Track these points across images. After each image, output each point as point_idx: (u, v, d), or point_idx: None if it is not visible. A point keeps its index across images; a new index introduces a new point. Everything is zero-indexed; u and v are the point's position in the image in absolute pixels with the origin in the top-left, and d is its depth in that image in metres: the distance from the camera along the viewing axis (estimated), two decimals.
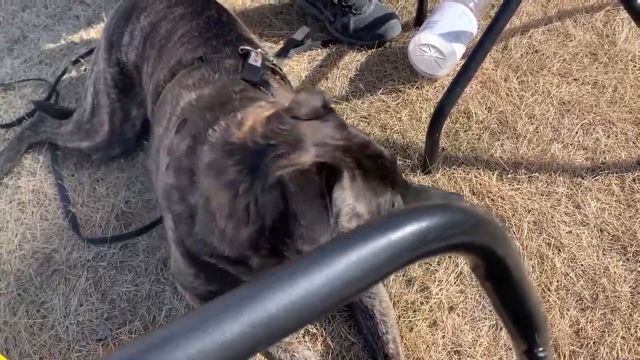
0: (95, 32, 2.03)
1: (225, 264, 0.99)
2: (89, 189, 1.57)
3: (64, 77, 1.87)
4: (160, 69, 1.36)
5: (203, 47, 1.32)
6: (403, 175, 0.98)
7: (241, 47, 1.30)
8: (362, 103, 1.66)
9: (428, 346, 1.18)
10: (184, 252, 1.05)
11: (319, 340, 1.23)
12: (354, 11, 1.79)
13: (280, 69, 1.61)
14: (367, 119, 1.63)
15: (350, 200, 0.88)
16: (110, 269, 1.40)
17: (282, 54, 1.75)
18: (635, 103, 1.51)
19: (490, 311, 1.23)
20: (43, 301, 1.37)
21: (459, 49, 1.63)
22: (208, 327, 0.28)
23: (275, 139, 0.90)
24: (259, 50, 1.34)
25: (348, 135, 0.93)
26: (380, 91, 1.67)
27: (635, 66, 1.59)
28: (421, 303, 1.25)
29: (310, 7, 1.88)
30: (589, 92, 1.56)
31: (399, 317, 1.24)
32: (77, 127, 1.59)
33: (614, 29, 1.69)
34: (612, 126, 1.48)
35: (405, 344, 1.19)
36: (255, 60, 1.26)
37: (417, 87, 1.66)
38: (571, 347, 1.14)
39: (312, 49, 1.84)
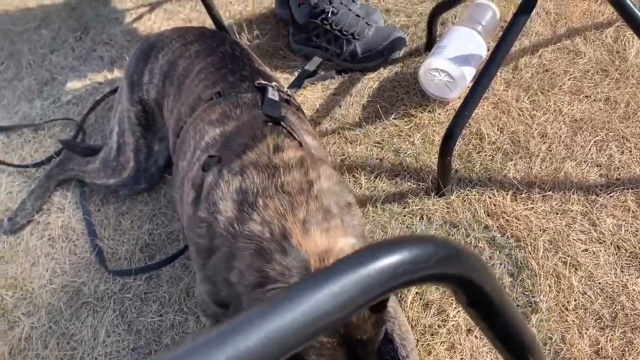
0: (118, 72, 2.12)
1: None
2: (114, 222, 1.64)
3: (90, 115, 1.96)
4: (181, 105, 1.42)
5: (220, 83, 1.37)
6: None
7: (257, 82, 1.35)
8: (375, 128, 1.69)
9: None
10: (211, 284, 1.09)
11: None
12: (357, 37, 1.84)
13: (294, 99, 1.66)
14: (380, 144, 1.66)
15: None
16: (135, 300, 1.45)
17: (295, 85, 1.80)
18: None
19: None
20: (73, 333, 1.43)
21: (469, 72, 1.65)
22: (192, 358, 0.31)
23: None
24: (274, 83, 1.38)
25: None
26: (393, 116, 1.70)
27: None
28: (439, 326, 1.26)
29: (316, 50, 1.93)
30: (601, 109, 1.56)
31: (417, 341, 1.24)
32: (104, 165, 1.66)
33: (624, 44, 1.69)
34: (625, 142, 1.48)
35: None
36: (273, 94, 1.30)
37: (429, 111, 1.69)
38: None
39: (327, 79, 1.89)
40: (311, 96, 1.86)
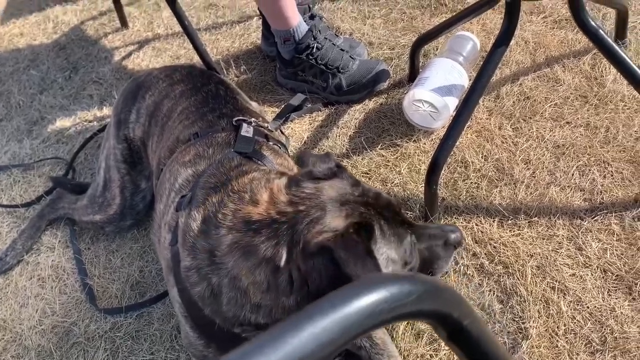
0: (107, 110, 2.14)
1: (252, 329, 1.04)
2: (104, 260, 1.63)
3: (80, 154, 1.97)
4: (161, 147, 1.44)
5: (199, 123, 1.39)
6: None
7: (235, 119, 1.37)
8: (362, 159, 1.72)
9: None
10: (193, 325, 1.09)
11: None
12: (341, 70, 1.88)
13: (282, 132, 1.68)
14: (368, 174, 1.68)
15: (384, 249, 0.96)
16: (127, 339, 1.44)
17: (279, 118, 1.83)
18: (627, 142, 1.54)
19: None
20: None
21: (452, 102, 1.69)
22: None
23: (303, 204, 0.96)
24: (252, 119, 1.40)
25: (363, 190, 1.01)
26: (379, 146, 1.73)
27: (625, 105, 1.63)
28: (431, 356, 1.26)
29: (302, 84, 1.97)
30: (582, 134, 1.60)
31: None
32: (90, 201, 1.66)
33: (602, 71, 1.74)
34: (607, 166, 1.51)
35: None
36: (246, 131, 1.33)
37: (414, 141, 1.72)
38: None
39: (314, 112, 1.92)
40: (299, 129, 1.88)
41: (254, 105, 1.69)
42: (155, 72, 1.63)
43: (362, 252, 0.88)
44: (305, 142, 1.84)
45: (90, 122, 2.12)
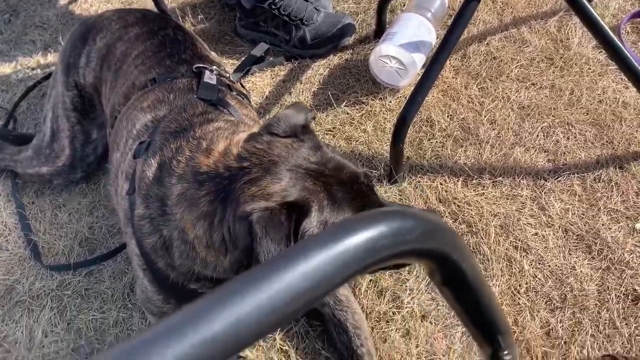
0: (52, 57, 1.99)
1: (212, 286, 0.98)
2: (50, 216, 1.53)
3: (22, 103, 1.83)
4: (115, 93, 1.34)
5: (157, 68, 1.30)
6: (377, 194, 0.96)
7: (196, 66, 1.29)
8: (326, 116, 1.66)
9: (402, 356, 1.18)
10: (152, 278, 1.03)
11: (292, 357, 1.21)
12: (305, 22, 1.80)
13: (242, 85, 1.60)
14: (332, 131, 1.63)
15: (315, 230, 0.86)
16: (75, 297, 1.36)
17: (240, 70, 1.74)
18: (591, 104, 1.55)
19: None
20: (5, 335, 1.32)
21: (419, 59, 1.65)
22: (149, 352, 0.27)
23: (250, 160, 0.89)
24: (214, 67, 1.32)
25: (322, 158, 0.91)
26: (344, 104, 1.68)
27: (589, 69, 1.64)
28: (393, 313, 1.25)
29: (264, 36, 1.88)
30: (547, 96, 1.60)
31: (372, 329, 1.23)
32: (36, 153, 1.55)
33: (568, 33, 1.73)
34: (571, 128, 1.51)
35: (379, 355, 1.18)
36: (210, 78, 1.25)
37: (380, 99, 1.68)
38: (543, 349, 1.15)
39: (276, 65, 1.84)
40: (260, 83, 1.80)
41: (213, 54, 1.59)
42: (107, 14, 1.51)
43: (281, 236, 0.81)
44: (266, 97, 1.76)
45: (33, 69, 1.97)
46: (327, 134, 1.62)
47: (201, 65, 1.30)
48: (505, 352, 0.53)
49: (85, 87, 1.47)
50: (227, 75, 1.41)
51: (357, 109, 1.67)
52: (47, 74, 1.86)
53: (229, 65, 1.83)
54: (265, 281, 0.30)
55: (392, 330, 1.22)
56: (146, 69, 1.30)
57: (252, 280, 0.30)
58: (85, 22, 1.53)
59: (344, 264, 0.33)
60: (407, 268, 1.32)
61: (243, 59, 1.85)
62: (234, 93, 1.33)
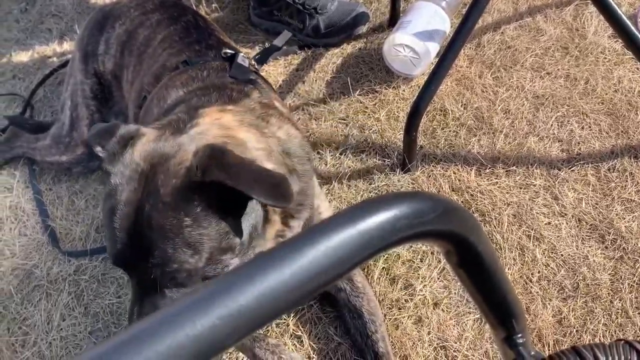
0: (68, 45, 2.01)
1: None
2: (67, 202, 1.56)
3: (38, 90, 1.85)
4: (143, 75, 1.36)
5: (186, 51, 1.32)
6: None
7: (224, 51, 1.30)
8: (339, 105, 1.67)
9: (414, 343, 1.19)
10: None
11: (305, 342, 1.23)
12: (319, 11, 1.80)
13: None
14: (345, 120, 1.63)
15: None
16: (92, 282, 1.39)
17: (261, 60, 1.75)
18: (606, 94, 1.54)
19: (475, 305, 1.23)
20: (24, 318, 1.35)
21: (433, 48, 1.64)
22: (178, 322, 0.28)
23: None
24: (242, 53, 1.34)
25: None
26: (358, 92, 1.68)
27: (605, 58, 1.62)
28: (405, 300, 1.26)
29: (277, 24, 1.88)
30: (561, 85, 1.59)
31: (385, 316, 1.24)
32: (55, 141, 1.57)
33: (584, 22, 1.72)
34: (585, 118, 1.51)
35: (391, 342, 1.20)
36: (242, 60, 1.27)
37: (393, 87, 1.68)
38: (555, 337, 1.16)
39: (290, 54, 1.84)
40: (274, 72, 1.81)
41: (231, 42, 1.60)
42: (124, 1, 1.52)
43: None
44: (280, 87, 1.77)
45: (49, 57, 1.99)
46: (340, 122, 1.63)
47: (230, 50, 1.31)
48: (519, 335, 0.54)
49: (105, 75, 1.48)
50: (253, 62, 1.42)
51: (370, 98, 1.67)
52: (63, 62, 1.88)
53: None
54: (289, 259, 0.31)
55: (404, 317, 1.23)
56: (176, 51, 1.31)
57: (275, 257, 0.31)
58: (101, 9, 1.55)
59: (366, 242, 0.34)
60: (419, 256, 1.33)
61: (257, 48, 1.86)
62: (262, 78, 1.34)
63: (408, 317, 1.23)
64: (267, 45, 1.82)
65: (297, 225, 1.03)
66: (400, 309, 1.25)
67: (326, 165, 1.54)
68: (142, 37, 1.40)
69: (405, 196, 0.37)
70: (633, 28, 1.29)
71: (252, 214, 0.90)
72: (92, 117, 1.50)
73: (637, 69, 1.56)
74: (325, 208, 1.20)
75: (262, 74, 1.77)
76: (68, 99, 1.55)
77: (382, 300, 1.26)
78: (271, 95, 1.24)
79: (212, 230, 0.83)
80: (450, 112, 1.58)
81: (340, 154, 1.55)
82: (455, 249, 0.42)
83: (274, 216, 0.97)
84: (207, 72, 1.21)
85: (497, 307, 0.51)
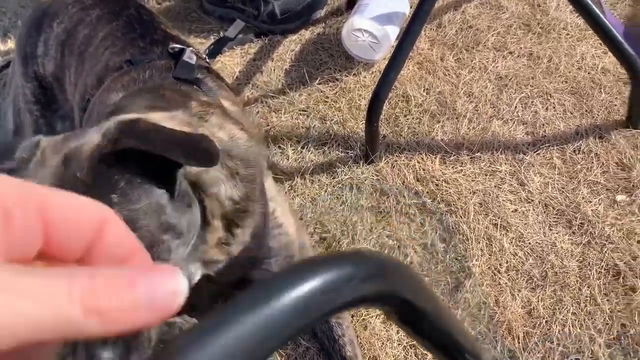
0: (12, 42, 1.90)
1: None
2: None
3: None
4: (86, 75, 1.28)
5: (130, 49, 1.24)
6: None
7: (172, 46, 1.23)
8: (299, 95, 1.61)
9: (383, 343, 1.16)
10: None
11: None
12: None
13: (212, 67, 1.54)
14: (305, 111, 1.58)
15: None
16: None
17: (213, 51, 1.67)
18: (570, 72, 1.51)
19: (443, 300, 1.21)
20: None
21: (393, 31, 1.59)
22: None
23: None
24: (191, 48, 1.27)
25: None
26: (317, 81, 1.62)
27: (568, 34, 1.59)
28: None
29: (231, 11, 1.80)
30: (524, 65, 1.55)
31: (352, 316, 1.21)
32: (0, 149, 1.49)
33: None
34: (549, 98, 1.47)
35: (360, 343, 1.17)
36: (189, 57, 1.20)
37: (354, 74, 1.62)
38: (524, 329, 1.14)
39: (246, 43, 1.77)
40: (230, 62, 1.74)
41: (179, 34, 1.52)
42: None
43: None
44: (237, 78, 1.70)
45: None
46: (301, 114, 1.57)
47: (177, 45, 1.24)
48: None
49: (46, 78, 1.40)
50: (204, 56, 1.35)
51: (330, 87, 1.61)
52: (7, 61, 1.78)
53: (197, 44, 1.75)
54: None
55: (372, 316, 1.20)
56: (118, 49, 1.23)
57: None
58: (39, 7, 1.45)
59: (274, 331, 0.29)
60: (385, 252, 1.29)
61: (212, 37, 1.78)
62: (213, 76, 1.27)
63: (376, 316, 1.20)
64: (222, 34, 1.74)
65: (242, 234, 0.97)
66: (367, 309, 1.22)
67: (288, 159, 1.48)
68: (82, 36, 1.32)
69: (319, 263, 0.32)
70: (592, 4, 1.25)
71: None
72: (36, 122, 1.42)
73: (600, 44, 1.53)
74: (282, 212, 1.15)
75: (217, 65, 1.70)
76: (11, 104, 1.47)
77: None
78: (221, 93, 1.18)
79: (144, 204, 0.76)
80: (412, 98, 1.53)
81: (302, 147, 1.50)
82: (393, 309, 0.38)
83: (214, 221, 0.91)
84: (149, 73, 1.13)
85: (448, 350, 0.47)
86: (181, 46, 1.23)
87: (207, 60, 1.36)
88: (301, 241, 1.18)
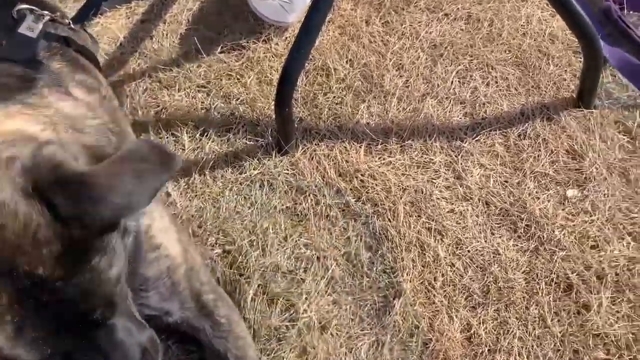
0: None
1: None
2: None
3: None
4: None
5: None
6: None
7: (18, 8, 0.93)
8: (197, 67, 1.33)
9: None
10: None
11: None
12: None
13: (87, 32, 1.22)
14: (205, 88, 1.31)
15: None
16: None
17: (85, 15, 1.35)
18: (513, 39, 1.30)
19: (369, 324, 1.01)
20: None
21: None
22: None
23: None
24: (46, 12, 0.96)
25: None
26: (220, 49, 1.35)
27: None
28: (287, 328, 1.01)
29: None
30: (462, 30, 1.33)
31: (262, 351, 0.99)
32: None
33: None
34: (491, 70, 1.27)
35: None
36: (29, 28, 0.90)
37: (264, 41, 1.35)
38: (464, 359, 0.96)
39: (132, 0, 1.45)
40: (113, 25, 1.43)
41: None
42: None
43: None
44: (121, 45, 1.39)
45: None
46: (199, 91, 1.30)
47: (25, 6, 0.94)
48: None
49: None
50: (67, 21, 1.04)
51: (235, 56, 1.34)
52: None
53: (69, 7, 1.42)
54: None
55: (285, 350, 0.99)
56: None
57: None
58: None
59: None
60: (302, 265, 1.08)
61: None
62: (72, 50, 0.98)
63: (290, 350, 0.99)
64: None
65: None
66: (280, 340, 1.00)
67: (184, 150, 1.22)
68: None
69: None
70: None
71: None
72: None
73: (547, 5, 1.32)
74: (160, 228, 0.91)
75: (95, 29, 1.39)
76: None
77: (258, 329, 1.01)
78: (73, 78, 0.90)
79: None
80: (333, 71, 1.28)
81: (201, 134, 1.23)
82: None
83: None
84: None
85: None
86: (28, 7, 0.93)
87: (73, 25, 1.07)
88: (190, 263, 0.95)
